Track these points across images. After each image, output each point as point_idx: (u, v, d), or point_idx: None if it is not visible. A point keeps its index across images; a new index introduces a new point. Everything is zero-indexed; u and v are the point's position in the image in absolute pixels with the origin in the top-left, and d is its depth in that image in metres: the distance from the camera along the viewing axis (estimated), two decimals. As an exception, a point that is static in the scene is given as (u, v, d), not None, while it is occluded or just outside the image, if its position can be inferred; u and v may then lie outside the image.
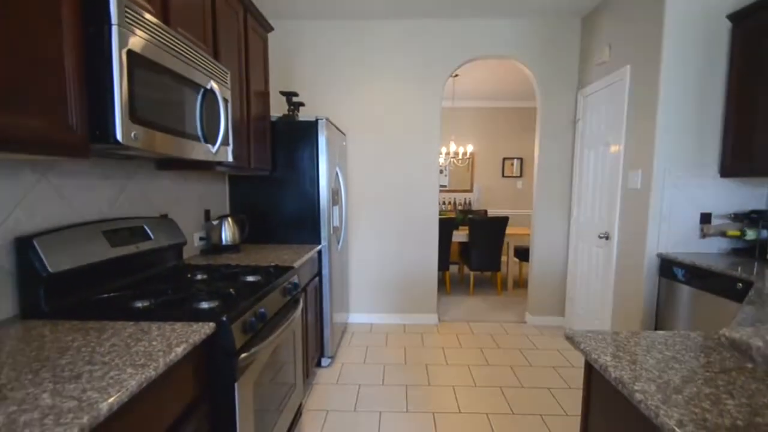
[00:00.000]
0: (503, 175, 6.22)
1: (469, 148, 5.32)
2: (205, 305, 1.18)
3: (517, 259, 5.74)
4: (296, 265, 1.86)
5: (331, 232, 2.58)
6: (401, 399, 2.20)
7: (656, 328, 2.28)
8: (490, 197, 6.27)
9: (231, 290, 1.30)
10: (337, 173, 2.76)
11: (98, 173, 1.42)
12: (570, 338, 1.06)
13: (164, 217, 1.76)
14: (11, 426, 0.63)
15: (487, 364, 2.66)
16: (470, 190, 6.27)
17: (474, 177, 6.26)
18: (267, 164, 2.36)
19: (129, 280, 1.42)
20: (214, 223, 2.10)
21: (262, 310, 1.32)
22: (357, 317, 3.44)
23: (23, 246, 1.08)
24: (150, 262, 1.55)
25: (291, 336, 1.70)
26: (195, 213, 2.09)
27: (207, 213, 2.21)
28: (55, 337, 0.97)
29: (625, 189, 2.54)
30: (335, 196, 2.70)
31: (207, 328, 1.06)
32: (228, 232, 2.11)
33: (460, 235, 4.31)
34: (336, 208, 2.79)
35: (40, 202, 1.19)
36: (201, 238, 2.10)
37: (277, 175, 2.50)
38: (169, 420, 0.94)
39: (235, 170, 1.99)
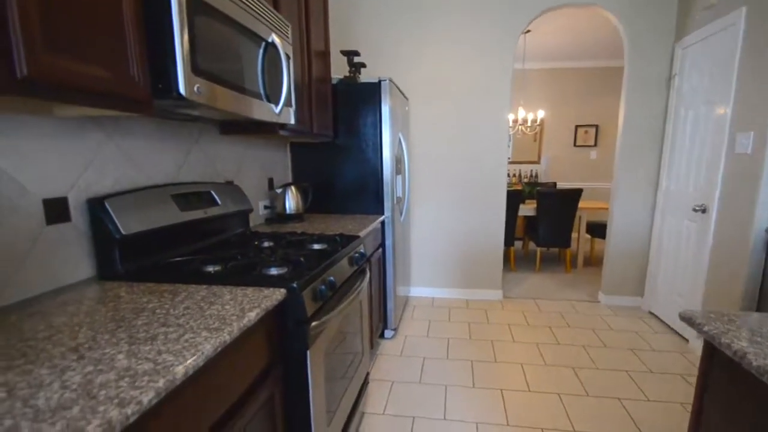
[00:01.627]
0: (575, 144, 5.63)
1: (540, 114, 4.82)
2: (274, 271, 1.11)
3: (589, 235, 5.24)
4: (362, 234, 1.77)
5: (395, 202, 2.45)
6: (467, 374, 2.11)
7: (759, 311, 1.92)
8: (559, 169, 5.73)
9: (301, 258, 1.22)
10: (400, 140, 2.60)
11: (163, 136, 1.39)
12: (688, 319, 0.87)
13: (230, 183, 1.73)
14: (87, 387, 0.58)
15: (558, 343, 2.46)
16: (537, 162, 5.77)
17: (542, 147, 5.72)
18: (329, 130, 2.26)
19: (198, 246, 1.40)
20: (278, 191, 2.06)
21: (332, 278, 1.23)
22: (418, 290, 3.33)
23: (96, 207, 1.06)
24: (217, 228, 1.53)
25: (358, 306, 1.62)
26: (258, 181, 2.06)
27: (270, 181, 2.18)
28: (131, 299, 0.95)
29: (730, 154, 2.11)
30: (398, 165, 2.56)
31: (278, 294, 0.98)
32: (292, 201, 2.06)
33: (527, 209, 3.99)
34: (399, 178, 2.65)
35: (109, 164, 1.17)
36: (265, 207, 2.08)
37: (340, 142, 2.40)
38: (243, 385, 0.89)
39: (298, 135, 1.90)
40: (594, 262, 4.41)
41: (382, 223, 2.40)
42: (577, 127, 5.59)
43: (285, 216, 2.06)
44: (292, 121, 1.57)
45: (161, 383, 0.59)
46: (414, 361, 2.24)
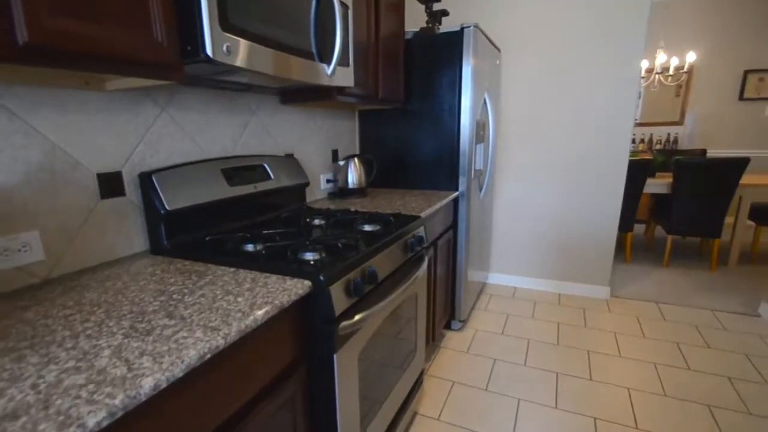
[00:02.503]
0: (742, 98, 4.27)
1: (690, 58, 3.70)
2: (309, 256, 1.00)
3: (752, 222, 4.02)
4: (423, 214, 1.56)
5: (472, 176, 2.16)
6: (549, 389, 1.76)
7: None
8: (712, 130, 4.46)
9: (340, 242, 1.09)
10: (485, 101, 2.25)
11: (220, 108, 1.36)
12: None
13: (289, 156, 1.67)
14: (51, 390, 0.53)
15: (688, 368, 1.90)
16: (678, 122, 4.56)
17: (688, 102, 4.47)
18: (398, 94, 2.05)
19: (246, 221, 1.37)
20: (341, 163, 1.96)
21: (372, 268, 1.08)
22: (497, 278, 3.02)
23: (145, 182, 1.07)
24: (270, 203, 1.49)
25: (413, 298, 1.46)
26: (322, 153, 1.98)
27: (335, 153, 2.09)
28: (161, 278, 0.93)
29: None
30: (480, 131, 2.24)
31: (301, 286, 0.87)
32: (354, 174, 1.94)
33: (657, 185, 3.20)
34: (481, 147, 2.33)
35: (164, 138, 1.17)
36: (328, 181, 2.00)
37: (411, 108, 2.17)
38: (251, 391, 0.81)
39: (362, 101, 1.74)
40: (757, 259, 3.41)
41: (455, 200, 2.15)
42: (746, 73, 4.21)
43: (347, 191, 1.96)
44: (351, 84, 1.41)
45: (118, 401, 0.51)
46: (482, 362, 1.99)
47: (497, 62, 2.53)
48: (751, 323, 2.32)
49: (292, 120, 1.72)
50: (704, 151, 4.01)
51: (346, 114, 2.18)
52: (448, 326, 2.31)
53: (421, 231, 1.47)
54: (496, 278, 3.03)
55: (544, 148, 2.69)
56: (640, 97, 4.65)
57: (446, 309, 2.18)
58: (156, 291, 0.86)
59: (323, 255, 1.02)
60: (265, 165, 1.44)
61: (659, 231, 4.31)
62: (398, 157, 2.26)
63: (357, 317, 0.98)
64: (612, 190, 2.56)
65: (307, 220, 1.42)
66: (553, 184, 2.71)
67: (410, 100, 2.16)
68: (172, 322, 0.72)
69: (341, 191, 1.97)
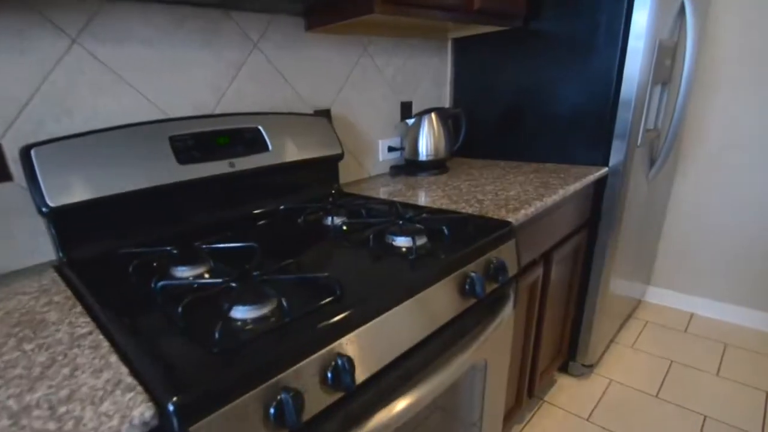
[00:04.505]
0: None
1: None
2: (238, 314, 0.50)
3: None
4: (516, 219, 0.85)
5: (639, 141, 1.26)
6: None
7: None
8: None
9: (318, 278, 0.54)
10: (682, 5, 1.25)
11: (189, 38, 0.88)
12: None
13: (322, 114, 1.13)
14: None
15: None
16: None
17: None
18: (515, 1, 1.23)
19: (213, 219, 0.88)
20: (409, 122, 1.31)
21: (340, 361, 0.50)
22: (660, 295, 1.99)
23: (24, 162, 0.69)
24: (264, 189, 0.97)
25: (478, 369, 0.83)
26: (385, 108, 1.37)
27: (406, 107, 1.44)
28: (18, 319, 0.56)
29: None
30: (666, 62, 1.26)
31: (143, 410, 0.37)
32: (427, 139, 1.29)
33: None
34: (662, 91, 1.36)
35: (78, 89, 0.76)
36: (390, 149, 1.39)
37: (538, 27, 1.33)
38: None
39: (442, 14, 1.03)
40: None
41: (600, 182, 1.30)
42: None
43: (416, 164, 1.32)
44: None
45: None
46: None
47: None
48: None
49: (326, 57, 1.14)
50: None
51: (428, 46, 1.47)
52: (565, 368, 1.56)
53: (503, 253, 0.78)
54: (657, 295, 2.01)
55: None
56: None
57: (560, 348, 1.44)
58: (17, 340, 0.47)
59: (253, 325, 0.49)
60: (261, 129, 0.93)
61: None
62: (510, 111, 1.46)
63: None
64: None
65: (306, 219, 0.89)
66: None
67: (538, 13, 1.31)
68: None
69: (409, 164, 1.35)
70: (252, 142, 0.91)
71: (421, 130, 1.29)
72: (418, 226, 0.76)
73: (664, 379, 1.49)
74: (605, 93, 1.25)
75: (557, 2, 1.27)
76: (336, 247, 0.75)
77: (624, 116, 1.23)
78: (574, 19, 1.25)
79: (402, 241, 0.73)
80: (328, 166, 1.09)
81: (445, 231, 0.75)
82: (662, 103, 1.44)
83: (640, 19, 1.13)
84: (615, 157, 1.27)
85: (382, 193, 1.12)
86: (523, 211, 0.88)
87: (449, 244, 0.72)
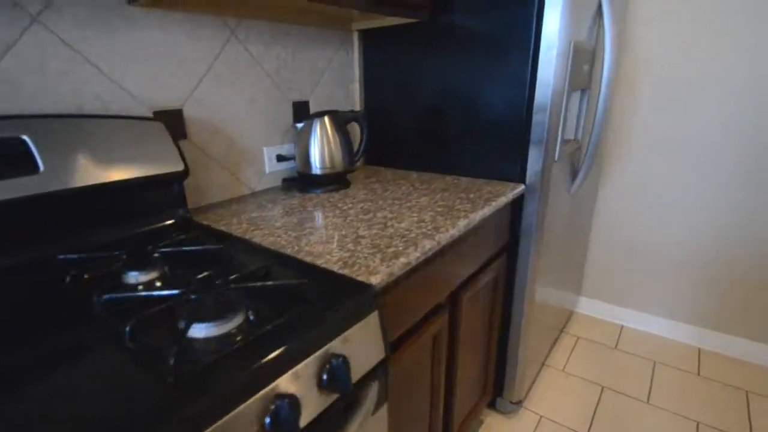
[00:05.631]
0: None
1: None
2: None
3: None
4: (383, 278, 0.63)
5: (557, 152, 1.11)
6: None
7: None
8: None
9: None
10: (599, 6, 1.13)
11: None
12: None
13: (168, 116, 0.86)
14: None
15: None
16: None
17: None
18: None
19: None
20: (299, 127, 1.07)
21: None
22: (591, 306, 1.93)
23: None
24: (33, 222, 0.67)
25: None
26: (270, 109, 1.12)
27: (300, 108, 1.19)
28: None
29: None
30: (580, 70, 1.14)
31: None
32: (320, 149, 1.05)
33: None
34: (581, 99, 1.24)
35: None
36: (280, 158, 1.14)
37: (446, 21, 1.15)
38: None
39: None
40: None
41: (515, 202, 1.14)
42: None
43: (309, 178, 1.08)
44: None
45: None
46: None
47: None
48: None
49: (170, 40, 0.87)
50: None
51: (328, 37, 1.24)
52: (492, 404, 1.40)
53: (355, 337, 0.55)
54: (590, 306, 1.94)
55: (713, 121, 1.44)
56: None
57: (486, 385, 1.27)
58: None
59: None
60: (28, 140, 0.64)
61: None
62: (428, 116, 1.27)
63: None
64: None
65: (77, 279, 0.60)
66: (719, 180, 1.48)
67: (444, 4, 1.14)
68: None
69: (302, 178, 1.11)
70: (7, 159, 0.62)
71: (312, 137, 1.05)
72: (230, 302, 0.50)
73: (595, 411, 1.37)
74: (520, 99, 1.09)
75: (466, -6, 1.10)
76: (78, 344, 0.45)
77: (539, 124, 1.08)
78: (485, 14, 1.09)
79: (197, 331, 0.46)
80: (164, 188, 0.81)
81: (258, 313, 0.49)
82: (582, 112, 1.33)
83: (552, 18, 0.99)
84: (532, 170, 1.12)
85: (246, 220, 0.87)
86: (402, 259, 0.66)
87: (262, 337, 0.45)
